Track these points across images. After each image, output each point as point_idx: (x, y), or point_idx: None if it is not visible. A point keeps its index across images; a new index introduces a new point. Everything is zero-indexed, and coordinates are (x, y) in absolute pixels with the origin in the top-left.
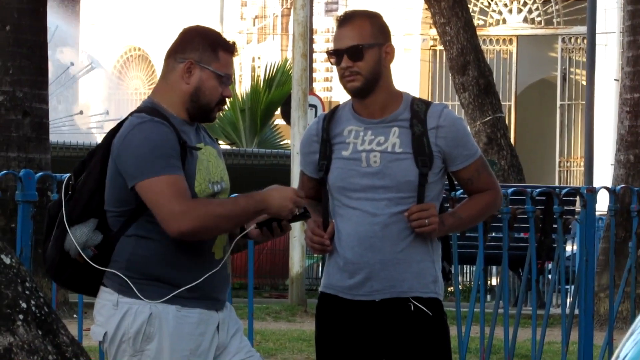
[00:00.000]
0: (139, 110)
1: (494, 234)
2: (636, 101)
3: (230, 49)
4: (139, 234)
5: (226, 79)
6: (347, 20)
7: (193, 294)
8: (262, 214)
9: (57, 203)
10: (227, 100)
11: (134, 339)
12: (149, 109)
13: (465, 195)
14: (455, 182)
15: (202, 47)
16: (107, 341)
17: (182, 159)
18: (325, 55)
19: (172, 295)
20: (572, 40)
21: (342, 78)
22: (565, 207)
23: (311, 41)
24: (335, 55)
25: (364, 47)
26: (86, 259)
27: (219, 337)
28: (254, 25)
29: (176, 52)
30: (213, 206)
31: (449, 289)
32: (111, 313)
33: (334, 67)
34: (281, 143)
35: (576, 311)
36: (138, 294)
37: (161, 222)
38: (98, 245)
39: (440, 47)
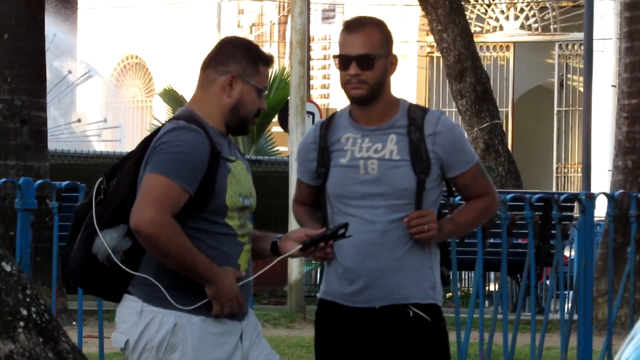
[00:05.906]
0: (176, 117)
1: (492, 240)
2: (634, 107)
3: (269, 62)
4: None
5: (263, 92)
6: (357, 26)
7: None
8: (204, 283)
9: (85, 205)
10: None
11: (157, 349)
12: (187, 117)
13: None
14: (453, 188)
15: (245, 61)
16: (129, 349)
17: (213, 170)
18: (323, 63)
19: (200, 303)
20: (569, 46)
21: (347, 84)
22: (564, 213)
23: (308, 48)
24: (344, 60)
25: (375, 57)
26: (117, 262)
27: (242, 347)
28: (251, 33)
29: (217, 63)
30: (181, 238)
31: (447, 294)
32: (134, 321)
33: (331, 75)
34: (274, 150)
35: (575, 316)
36: (170, 299)
37: (132, 210)
38: (126, 251)
39: (437, 54)
